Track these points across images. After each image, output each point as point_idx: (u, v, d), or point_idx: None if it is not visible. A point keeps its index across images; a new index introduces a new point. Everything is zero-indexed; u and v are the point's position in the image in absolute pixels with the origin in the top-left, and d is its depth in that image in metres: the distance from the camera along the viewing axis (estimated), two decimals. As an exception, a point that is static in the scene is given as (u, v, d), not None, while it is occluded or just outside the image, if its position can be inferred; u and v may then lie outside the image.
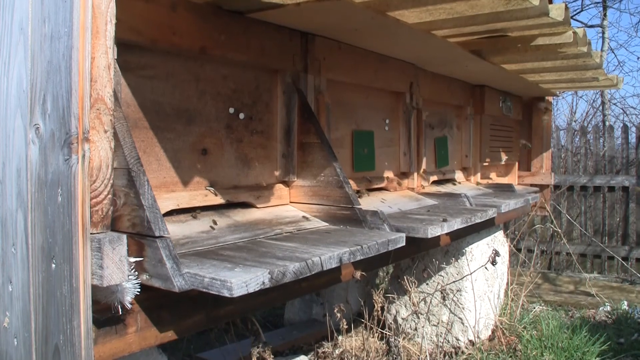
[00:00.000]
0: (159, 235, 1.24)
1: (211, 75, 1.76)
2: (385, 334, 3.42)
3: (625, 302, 4.81)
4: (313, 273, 1.38)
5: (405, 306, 3.63)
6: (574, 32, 2.34)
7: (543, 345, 3.52)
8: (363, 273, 2.05)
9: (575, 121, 9.37)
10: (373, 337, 3.56)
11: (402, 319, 3.66)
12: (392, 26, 1.99)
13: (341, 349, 3.40)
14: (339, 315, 2.06)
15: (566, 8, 2.12)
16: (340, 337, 3.21)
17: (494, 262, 2.40)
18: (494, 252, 2.42)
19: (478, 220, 2.28)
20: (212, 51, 1.70)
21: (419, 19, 1.92)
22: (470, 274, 3.08)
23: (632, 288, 5.69)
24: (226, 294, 1.18)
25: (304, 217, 1.92)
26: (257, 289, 1.22)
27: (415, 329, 3.63)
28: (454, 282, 3.08)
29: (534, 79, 3.24)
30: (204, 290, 1.23)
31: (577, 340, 3.53)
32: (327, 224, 1.91)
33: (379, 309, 2.43)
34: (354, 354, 3.29)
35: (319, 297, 3.99)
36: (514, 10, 1.89)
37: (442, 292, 2.74)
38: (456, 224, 2.10)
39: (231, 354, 3.12)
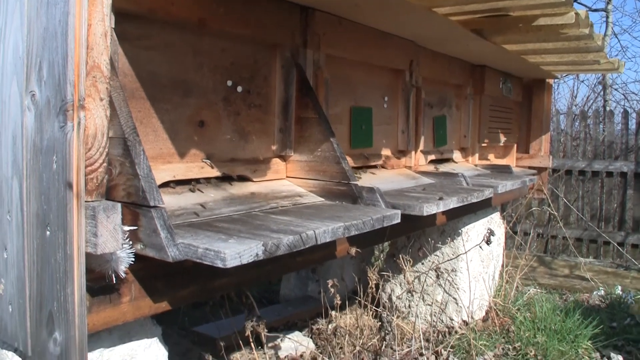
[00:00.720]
0: (153, 205, 1.25)
1: (209, 48, 1.75)
2: (379, 312, 3.45)
3: (619, 287, 4.85)
4: (307, 246, 1.38)
5: (400, 285, 3.65)
6: (576, 13, 2.33)
7: (536, 327, 3.56)
8: (358, 249, 2.06)
9: (575, 105, 9.36)
10: (367, 314, 3.59)
11: (397, 297, 3.69)
12: (393, 2, 1.98)
13: (335, 325, 3.44)
14: (332, 291, 2.08)
15: (568, -12, 2.11)
16: (334, 314, 3.24)
17: (488, 242, 2.42)
18: (489, 231, 2.43)
19: (474, 200, 2.29)
20: (210, 24, 1.69)
21: (420, -5, 1.91)
22: (465, 252, 3.10)
23: (626, 273, 5.73)
24: (219, 264, 1.19)
25: (300, 192, 1.93)
26: (250, 261, 1.23)
27: (409, 308, 3.66)
28: (448, 261, 3.10)
29: (535, 60, 3.23)
30: (198, 260, 1.24)
31: (570, 323, 3.56)
32: (323, 199, 1.92)
33: (373, 286, 2.45)
34: (347, 330, 3.32)
35: (315, 274, 4.01)
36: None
37: (436, 271, 2.75)
38: (452, 202, 2.10)
39: (226, 328, 3.14)
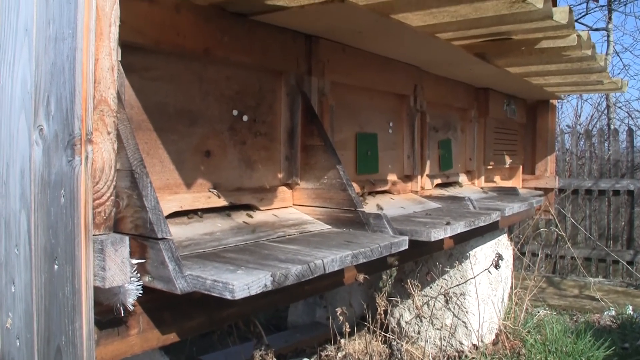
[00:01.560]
0: (161, 237, 1.25)
1: (214, 77, 1.76)
2: (388, 337, 3.41)
3: (630, 307, 4.80)
4: (315, 276, 1.38)
5: (409, 310, 3.63)
6: (578, 35, 2.34)
7: (547, 349, 3.52)
8: (366, 276, 2.05)
9: (580, 124, 9.37)
10: (376, 340, 3.55)
11: (406, 322, 3.66)
12: (396, 29, 1.99)
13: (344, 352, 3.40)
14: (341, 318, 2.06)
15: (570, 11, 2.12)
16: (343, 341, 3.21)
17: (497, 266, 2.40)
18: (497, 255, 2.42)
19: (482, 224, 2.28)
20: (215, 52, 1.70)
21: (422, 22, 1.92)
22: (474, 277, 3.08)
23: (637, 292, 5.68)
24: (228, 296, 1.18)
25: (307, 219, 1.92)
26: (259, 292, 1.22)
27: (419, 333, 3.63)
28: (457, 285, 3.07)
29: (539, 82, 3.24)
30: (206, 292, 1.23)
31: (582, 344, 3.52)
32: (330, 226, 1.91)
33: (382, 312, 2.42)
34: (357, 357, 3.28)
35: (322, 300, 3.99)
36: (517, 13, 1.89)
37: (445, 296, 2.73)
38: (459, 227, 2.10)
39: (234, 356, 3.12)
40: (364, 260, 1.55)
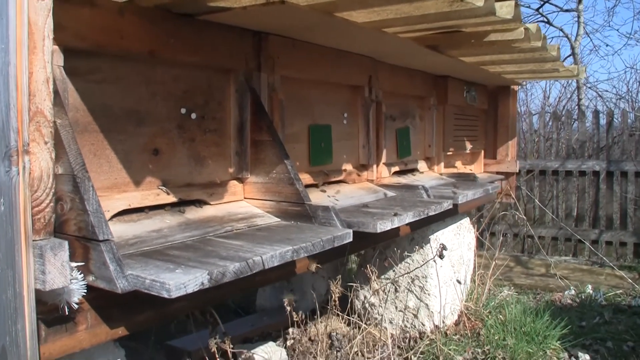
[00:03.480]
0: (102, 239, 1.31)
1: (162, 77, 1.81)
2: (350, 319, 3.52)
3: (590, 286, 4.97)
4: (255, 272, 1.45)
5: (375, 293, 3.74)
6: (526, 29, 2.42)
7: (506, 329, 3.65)
8: (319, 265, 2.14)
9: (549, 106, 9.51)
10: (341, 322, 3.67)
11: (370, 304, 3.77)
12: (344, 25, 2.05)
13: (309, 335, 3.51)
14: (289, 308, 2.15)
15: (516, 5, 2.19)
16: (291, 330, 3.31)
17: (441, 256, 2.50)
18: (441, 246, 2.52)
19: (432, 213, 2.37)
20: (161, 54, 1.75)
21: (367, 19, 1.98)
22: (426, 263, 3.19)
23: (601, 270, 5.86)
24: (165, 295, 1.25)
25: (257, 212, 2.00)
26: (195, 290, 1.30)
27: (382, 315, 3.74)
28: (414, 269, 3.18)
29: (495, 70, 3.32)
30: (146, 291, 1.30)
31: (540, 324, 3.66)
32: (279, 219, 1.99)
33: (336, 299, 2.52)
34: (320, 339, 3.39)
35: (289, 284, 4.09)
36: (460, 10, 1.96)
37: (393, 283, 2.83)
38: (407, 217, 2.18)
39: (203, 339, 3.20)
40: (305, 255, 1.63)
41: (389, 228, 2.05)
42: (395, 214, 2.14)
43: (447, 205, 2.50)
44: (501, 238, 6.88)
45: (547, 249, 6.83)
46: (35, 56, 1.17)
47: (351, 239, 1.84)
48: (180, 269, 1.36)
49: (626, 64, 16.96)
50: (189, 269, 1.35)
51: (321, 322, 3.67)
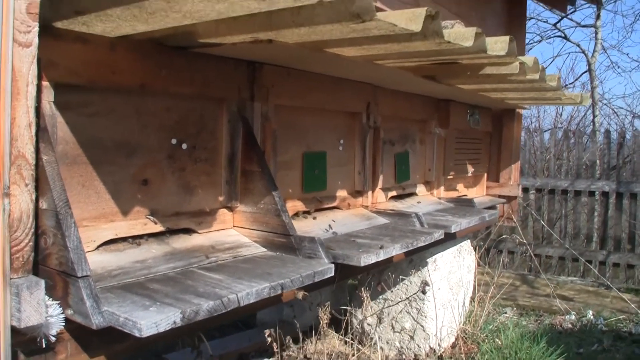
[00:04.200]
0: (81, 276, 1.36)
1: (153, 109, 1.86)
2: (346, 340, 3.56)
3: (590, 311, 4.94)
4: (229, 310, 1.50)
5: (372, 313, 3.77)
6: (521, 63, 2.43)
7: (501, 355, 3.66)
8: (305, 293, 2.17)
9: (561, 123, 9.48)
10: (339, 341, 3.70)
11: (368, 324, 3.80)
12: (336, 58, 2.08)
13: (305, 353, 3.55)
14: (269, 340, 2.19)
15: (511, 40, 2.22)
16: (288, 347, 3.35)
17: (423, 291, 2.53)
18: (423, 282, 2.55)
19: (421, 244, 2.40)
20: (153, 86, 1.80)
21: (358, 54, 2.02)
22: (407, 299, 3.21)
23: (607, 293, 5.84)
24: (137, 334, 1.30)
25: (244, 242, 2.04)
26: (167, 329, 1.34)
27: (380, 335, 3.77)
28: (400, 302, 3.21)
29: (497, 96, 3.34)
30: (119, 328, 1.35)
31: (536, 350, 3.67)
32: (265, 250, 2.03)
33: (324, 324, 2.56)
34: (317, 357, 3.42)
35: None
36: (450, 48, 1.99)
37: (385, 309, 2.85)
38: (394, 250, 2.21)
39: (221, 347, 3.27)
40: (283, 291, 1.67)
41: (373, 262, 2.09)
42: (382, 247, 2.17)
43: (438, 235, 2.53)
44: (507, 256, 6.89)
45: (554, 269, 6.81)
46: (19, 102, 1.22)
47: (333, 274, 1.88)
48: (155, 306, 1.40)
49: (636, 86, 16.96)
50: (163, 307, 1.39)
51: (318, 339, 3.71)
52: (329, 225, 2.45)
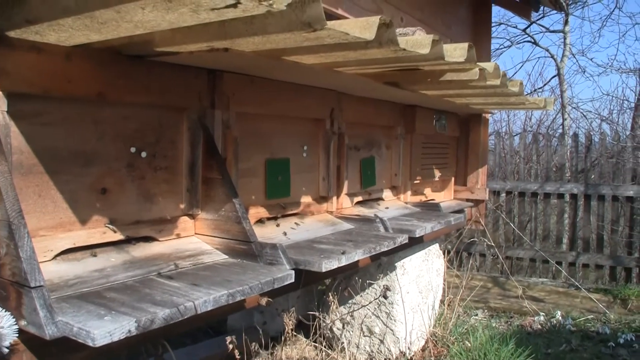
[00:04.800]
0: (34, 286, 1.36)
1: (111, 118, 1.87)
2: (316, 345, 3.57)
3: (559, 312, 5.03)
4: (187, 317, 1.51)
5: (341, 318, 3.79)
6: (481, 69, 2.48)
7: (470, 357, 3.71)
8: (269, 299, 2.19)
9: (531, 127, 9.63)
10: (310, 345, 3.71)
11: (338, 329, 3.82)
12: (295, 66, 2.11)
13: (274, 358, 3.56)
14: (231, 347, 2.20)
15: (470, 47, 2.25)
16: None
17: (385, 296, 2.56)
18: (384, 287, 2.58)
19: (384, 249, 2.43)
20: (110, 95, 1.81)
21: (317, 61, 2.04)
22: (369, 303, 3.24)
23: (577, 293, 5.94)
24: (90, 343, 1.31)
25: (206, 249, 2.05)
26: (122, 337, 1.35)
27: (350, 339, 3.79)
28: (360, 308, 3.24)
29: (462, 101, 3.39)
30: (73, 338, 1.35)
31: (504, 352, 3.72)
32: (227, 257, 2.04)
33: (289, 330, 2.57)
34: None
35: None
36: (408, 56, 2.02)
37: (351, 315, 2.87)
38: (357, 255, 2.24)
39: (191, 354, 3.28)
40: (242, 298, 1.68)
41: (335, 267, 2.11)
42: (344, 252, 2.19)
43: (401, 240, 2.56)
44: (478, 259, 6.98)
45: (525, 271, 6.91)
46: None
47: (293, 280, 1.89)
48: (110, 315, 1.41)
49: (602, 90, 17.33)
50: (118, 316, 1.40)
51: (287, 345, 3.72)
52: (284, 233, 2.47)
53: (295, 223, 2.60)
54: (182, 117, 2.10)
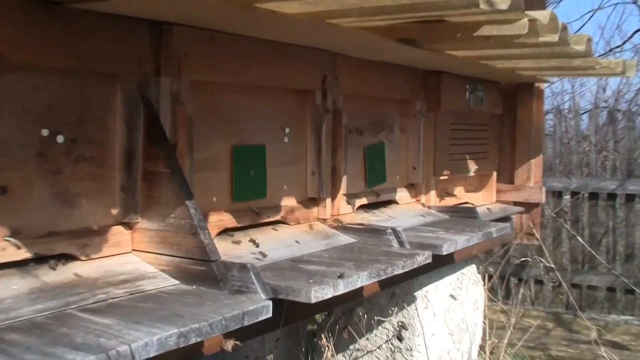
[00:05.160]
0: None
1: (14, 87, 1.87)
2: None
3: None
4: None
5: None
6: (531, 20, 2.50)
7: None
8: (237, 342, 2.21)
9: (605, 101, 9.67)
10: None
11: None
12: (272, 17, 2.12)
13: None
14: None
15: (516, -11, 2.28)
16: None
17: (400, 338, 2.60)
18: (400, 324, 2.61)
19: (399, 272, 2.45)
20: (13, 56, 1.82)
21: (302, 10, 2.06)
22: (379, 347, 3.27)
23: (676, 337, 5.94)
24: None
25: (147, 272, 2.08)
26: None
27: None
28: (362, 356, 3.27)
29: (505, 65, 3.43)
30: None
31: None
32: (177, 282, 2.06)
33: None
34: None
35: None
36: (428, 2, 2.04)
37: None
38: (360, 280, 2.26)
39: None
40: (199, 339, 1.70)
41: (329, 296, 2.13)
42: (341, 276, 2.21)
43: (422, 258, 2.59)
44: (533, 288, 6.97)
45: (600, 305, 6.89)
46: None
47: (270, 314, 1.92)
48: (10, 367, 1.43)
49: None
50: (21, 367, 1.42)
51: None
52: (258, 248, 2.48)
53: (274, 235, 2.62)
54: (114, 88, 2.11)
